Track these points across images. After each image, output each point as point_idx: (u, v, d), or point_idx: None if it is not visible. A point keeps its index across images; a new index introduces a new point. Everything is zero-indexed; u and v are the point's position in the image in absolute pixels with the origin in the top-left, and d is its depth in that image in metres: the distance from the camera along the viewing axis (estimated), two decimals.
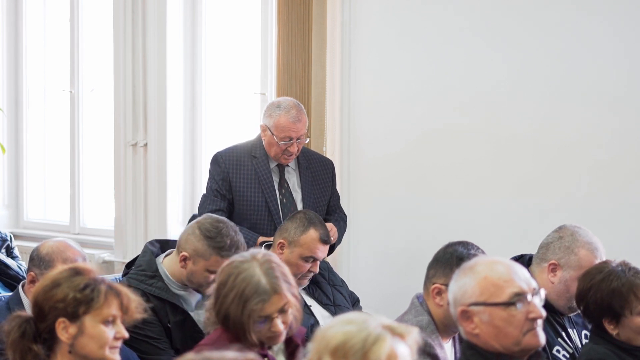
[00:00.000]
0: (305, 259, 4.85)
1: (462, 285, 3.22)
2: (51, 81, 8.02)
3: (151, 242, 4.62)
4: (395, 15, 6.29)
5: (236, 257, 3.57)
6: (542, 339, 3.22)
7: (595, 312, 3.82)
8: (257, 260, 3.52)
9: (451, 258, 3.82)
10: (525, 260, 4.41)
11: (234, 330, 3.47)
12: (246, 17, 7.16)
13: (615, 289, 3.77)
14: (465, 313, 3.20)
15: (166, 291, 4.35)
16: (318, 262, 4.91)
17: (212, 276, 4.29)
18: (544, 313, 3.21)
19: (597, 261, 4.21)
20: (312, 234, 4.86)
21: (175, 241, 4.59)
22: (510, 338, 3.17)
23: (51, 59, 8.01)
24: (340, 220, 5.63)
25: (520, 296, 3.17)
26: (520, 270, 3.25)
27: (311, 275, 4.92)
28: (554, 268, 4.29)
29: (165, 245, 4.61)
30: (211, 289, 4.30)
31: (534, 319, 3.19)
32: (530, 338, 3.19)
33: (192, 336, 4.42)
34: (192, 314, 4.45)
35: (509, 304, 3.16)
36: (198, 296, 4.51)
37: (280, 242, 4.89)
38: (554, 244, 4.32)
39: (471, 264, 3.28)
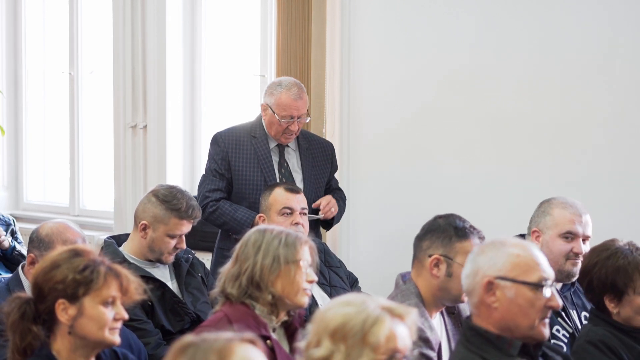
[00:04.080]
0: (283, 213, 4.95)
1: (492, 257, 3.22)
2: (50, 63, 8.01)
3: (107, 238, 4.73)
4: None
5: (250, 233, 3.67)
6: (548, 332, 3.25)
7: (598, 288, 3.83)
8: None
9: (447, 228, 3.80)
10: None
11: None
12: None
13: (621, 267, 3.79)
14: (490, 284, 3.20)
15: (138, 269, 4.36)
16: (299, 214, 4.99)
17: (173, 242, 4.55)
18: (561, 304, 3.24)
19: (573, 217, 4.35)
20: (276, 190, 5.03)
21: (127, 235, 4.72)
22: (528, 320, 3.18)
23: (50, 40, 8.00)
24: (340, 200, 5.64)
25: (547, 281, 3.19)
26: (545, 258, 3.28)
27: (300, 227, 4.95)
28: (537, 236, 4.41)
29: (118, 239, 4.72)
30: (172, 258, 4.55)
31: (551, 308, 3.21)
32: (541, 327, 3.21)
33: (172, 308, 4.54)
34: (169, 284, 4.59)
35: (538, 286, 3.18)
36: (167, 267, 4.66)
37: (260, 217, 5.04)
38: (535, 215, 4.48)
39: (502, 240, 3.28)
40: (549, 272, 3.22)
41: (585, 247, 4.37)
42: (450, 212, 3.90)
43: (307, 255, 3.61)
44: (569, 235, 4.37)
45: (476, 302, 3.24)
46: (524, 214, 4.59)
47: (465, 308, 3.88)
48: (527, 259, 3.21)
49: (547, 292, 3.18)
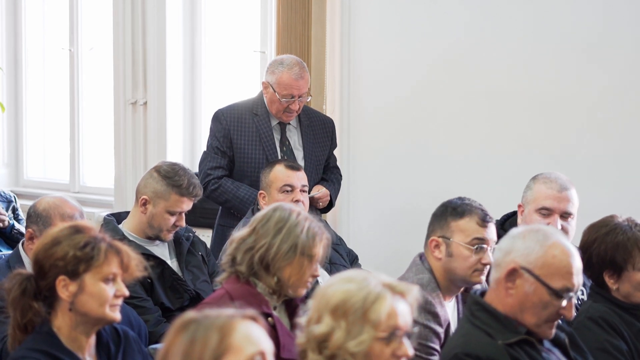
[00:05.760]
0: (283, 191, 4.94)
1: (528, 247, 3.18)
2: (50, 39, 7.99)
3: (107, 215, 4.70)
4: None
5: (275, 208, 3.63)
6: (553, 333, 3.24)
7: (597, 264, 3.84)
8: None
9: (445, 210, 3.86)
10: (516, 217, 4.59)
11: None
12: None
13: (620, 243, 3.80)
14: (514, 271, 3.18)
15: (138, 247, 4.31)
16: (299, 191, 4.97)
17: (172, 219, 4.53)
18: (573, 315, 3.22)
19: (550, 193, 4.42)
20: (276, 167, 5.00)
21: (127, 213, 4.71)
22: (537, 318, 3.17)
23: (50, 17, 7.98)
24: (336, 181, 5.64)
25: (569, 292, 3.16)
26: (580, 265, 3.23)
27: (302, 204, 4.96)
28: (522, 211, 4.50)
29: (118, 217, 4.71)
30: (171, 236, 4.53)
31: (562, 315, 3.19)
32: (546, 328, 3.20)
33: (172, 286, 4.54)
34: (168, 262, 4.59)
35: (558, 294, 3.15)
36: (166, 245, 4.65)
37: (261, 194, 5.01)
38: (524, 190, 4.55)
39: (548, 233, 3.23)
40: (577, 284, 3.18)
41: (568, 224, 4.40)
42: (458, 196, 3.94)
43: (321, 252, 3.59)
44: (545, 211, 4.43)
45: (497, 278, 3.23)
46: (519, 190, 4.61)
47: None
48: (561, 264, 3.16)
49: (564, 302, 3.16)
